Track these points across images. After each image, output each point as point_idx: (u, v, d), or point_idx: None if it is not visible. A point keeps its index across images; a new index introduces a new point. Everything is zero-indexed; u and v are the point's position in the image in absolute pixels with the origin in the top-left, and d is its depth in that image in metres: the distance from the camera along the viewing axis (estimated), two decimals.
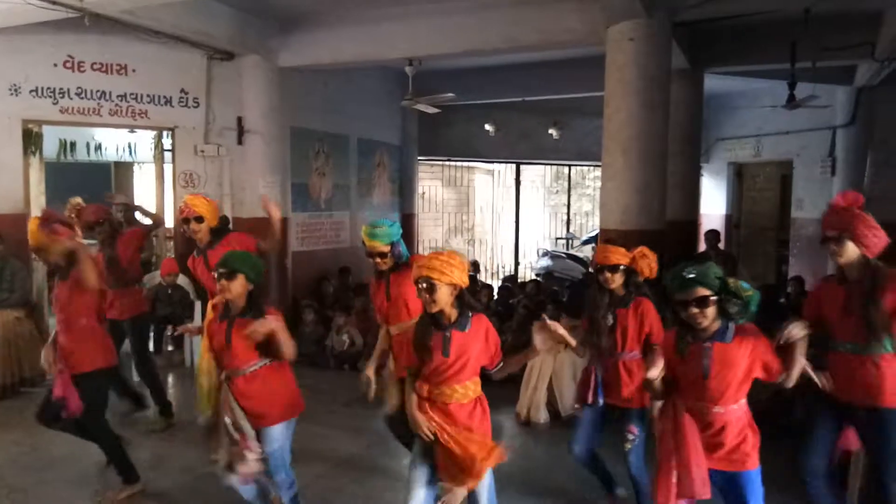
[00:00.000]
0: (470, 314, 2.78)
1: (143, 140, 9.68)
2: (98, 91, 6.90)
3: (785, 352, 2.57)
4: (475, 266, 10.59)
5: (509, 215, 14.56)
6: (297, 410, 3.31)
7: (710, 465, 2.60)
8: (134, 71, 7.02)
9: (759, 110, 10.31)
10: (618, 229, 5.67)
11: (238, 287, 3.08)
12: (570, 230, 15.52)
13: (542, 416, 5.26)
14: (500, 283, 10.86)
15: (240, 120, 7.33)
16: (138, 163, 10.92)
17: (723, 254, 8.31)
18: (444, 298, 2.71)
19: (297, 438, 4.45)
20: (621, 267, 3.42)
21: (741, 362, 2.52)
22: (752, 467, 2.61)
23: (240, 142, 7.35)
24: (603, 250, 3.47)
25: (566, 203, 15.80)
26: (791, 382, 2.57)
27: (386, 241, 3.66)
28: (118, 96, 6.98)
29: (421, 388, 2.83)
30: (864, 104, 9.08)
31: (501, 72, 9.44)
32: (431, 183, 14.01)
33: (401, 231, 3.76)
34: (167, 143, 7.53)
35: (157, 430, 5.00)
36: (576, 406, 3.61)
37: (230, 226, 7.34)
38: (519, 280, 10.73)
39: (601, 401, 3.45)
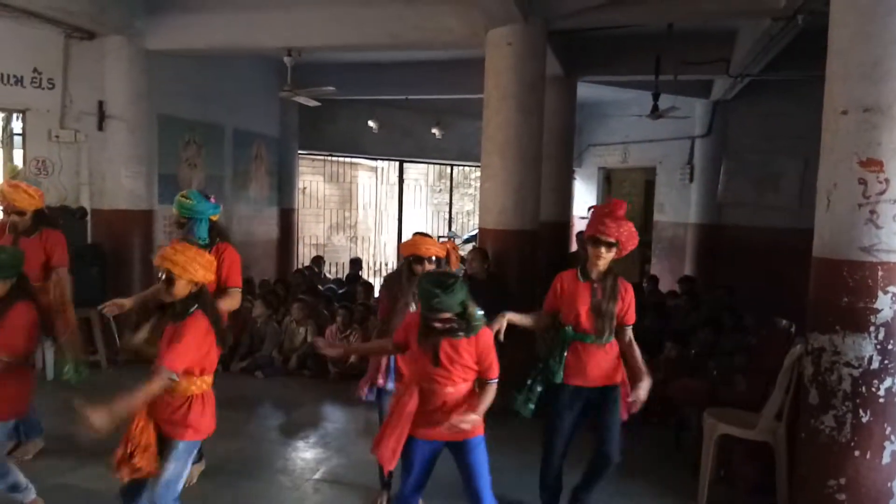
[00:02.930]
0: (194, 308, 2.87)
1: None
2: None
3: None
4: (357, 263, 10.49)
5: (392, 213, 14.54)
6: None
7: (439, 437, 2.87)
8: None
9: (626, 119, 10.91)
10: (495, 228, 5.81)
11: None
12: (452, 229, 15.74)
13: None
14: (381, 280, 10.81)
15: (101, 104, 6.80)
16: None
17: None
18: (182, 291, 2.83)
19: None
20: (434, 259, 3.57)
21: (466, 355, 2.83)
22: (477, 434, 2.87)
23: (100, 128, 6.83)
24: (421, 242, 3.60)
25: (448, 202, 16.00)
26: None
27: (184, 212, 3.77)
28: None
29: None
30: (720, 117, 9.83)
31: (385, 69, 9.39)
32: (313, 178, 13.72)
33: (213, 213, 3.82)
34: (17, 126, 6.88)
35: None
36: (364, 390, 3.74)
37: (88, 217, 6.85)
38: None
39: (392, 385, 3.59)
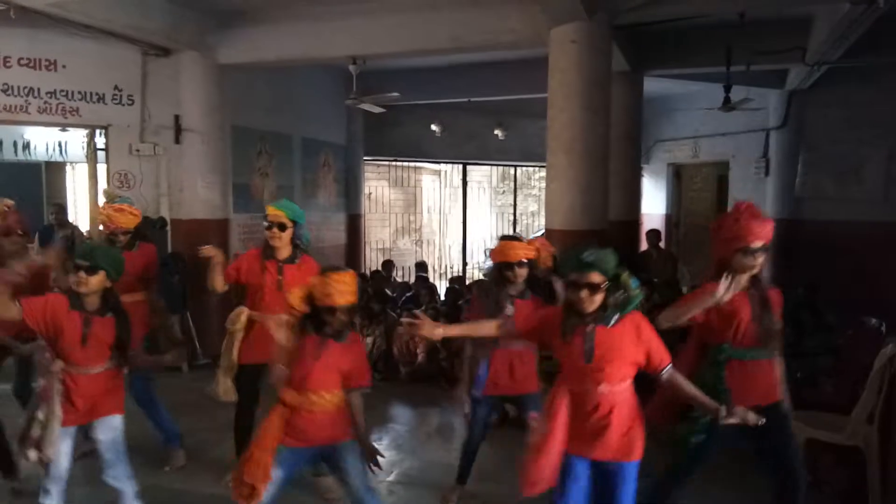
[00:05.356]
0: (348, 331, 2.96)
1: (75, 139, 9.29)
2: (26, 87, 6.60)
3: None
4: (423, 267, 10.56)
5: (456, 216, 14.58)
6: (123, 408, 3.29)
7: (593, 455, 2.56)
8: (64, 67, 6.73)
9: (696, 112, 10.60)
10: (562, 229, 5.73)
11: (96, 283, 3.02)
12: (517, 230, 15.65)
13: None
14: (447, 283, 10.85)
15: (177, 118, 7.10)
16: (70, 162, 10.49)
17: (664, 253, 8.53)
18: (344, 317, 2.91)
19: (231, 448, 4.36)
20: (527, 261, 3.48)
21: (623, 347, 2.52)
22: (637, 458, 2.56)
23: (177, 141, 7.12)
24: (508, 247, 3.49)
25: (512, 203, 15.91)
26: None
27: (289, 214, 3.79)
28: (47, 93, 6.69)
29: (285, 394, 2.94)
30: (796, 107, 9.43)
31: (447, 72, 9.44)
32: (378, 183, 13.91)
33: (304, 220, 3.91)
34: (100, 141, 7.26)
35: None
36: (466, 401, 3.68)
37: (168, 227, 7.15)
38: (466, 281, 10.75)
39: (478, 393, 3.57)
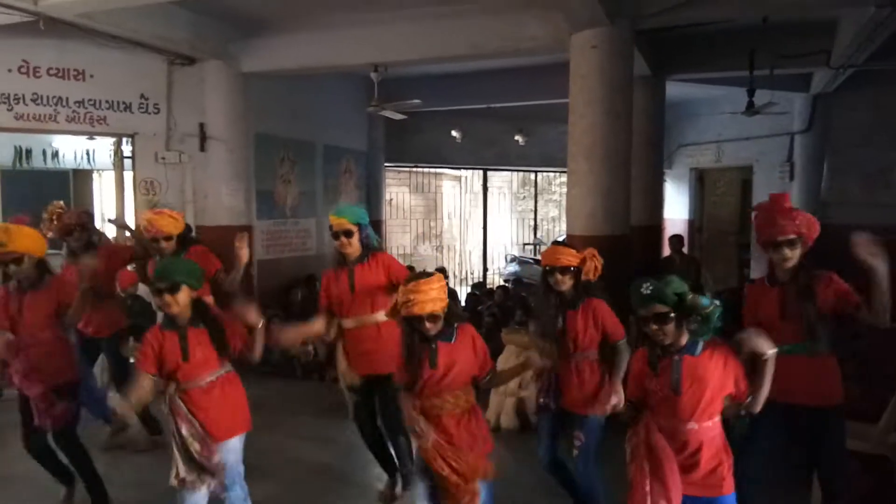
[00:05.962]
0: (455, 325, 2.85)
1: (103, 147, 9.45)
2: (55, 97, 6.73)
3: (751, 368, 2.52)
4: (443, 272, 10.57)
5: (477, 221, 14.61)
6: (249, 423, 3.20)
7: (682, 490, 2.50)
8: (92, 76, 6.86)
9: (719, 117, 10.52)
10: (583, 235, 5.70)
11: (184, 299, 2.96)
12: (538, 236, 15.62)
13: (512, 422, 5.25)
14: (468, 289, 10.86)
15: (202, 126, 7.20)
16: (98, 170, 10.67)
17: (686, 258, 8.45)
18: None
19: (266, 450, 4.42)
20: (571, 268, 3.35)
21: (712, 376, 2.46)
22: (728, 492, 2.52)
23: (202, 148, 7.22)
24: (553, 252, 3.40)
25: (533, 209, 15.90)
26: (757, 407, 2.51)
27: (352, 219, 3.70)
28: (76, 102, 6.82)
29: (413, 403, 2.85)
30: (821, 111, 9.33)
31: (467, 79, 9.46)
32: (399, 189, 13.98)
33: (368, 219, 3.80)
34: (127, 150, 7.38)
35: (142, 449, 4.78)
36: (534, 413, 3.53)
37: (193, 234, 7.22)
38: (487, 286, 10.75)
39: (553, 405, 3.38)
